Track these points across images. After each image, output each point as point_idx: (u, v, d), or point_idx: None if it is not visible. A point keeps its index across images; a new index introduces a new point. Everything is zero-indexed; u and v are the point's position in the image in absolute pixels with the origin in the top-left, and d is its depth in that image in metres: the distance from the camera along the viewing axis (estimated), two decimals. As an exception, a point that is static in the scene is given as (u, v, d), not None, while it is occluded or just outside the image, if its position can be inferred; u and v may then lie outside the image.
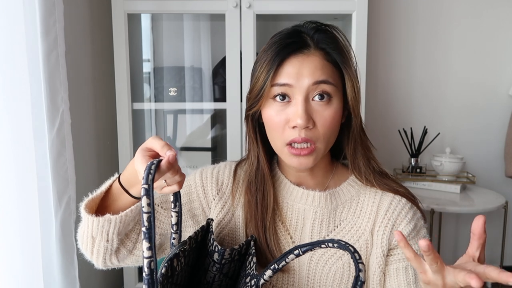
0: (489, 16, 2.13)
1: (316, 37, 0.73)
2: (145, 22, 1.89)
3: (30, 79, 1.03)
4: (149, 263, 0.51)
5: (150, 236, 0.51)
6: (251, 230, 0.79)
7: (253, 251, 0.73)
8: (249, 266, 0.70)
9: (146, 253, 0.51)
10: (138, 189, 0.69)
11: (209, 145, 1.92)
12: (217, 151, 1.94)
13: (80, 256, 1.23)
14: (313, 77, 0.70)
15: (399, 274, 0.70)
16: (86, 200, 0.71)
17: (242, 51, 1.63)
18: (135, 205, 0.71)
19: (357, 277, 0.53)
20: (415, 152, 2.02)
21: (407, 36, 2.14)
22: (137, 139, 1.74)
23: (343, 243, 0.56)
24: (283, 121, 0.71)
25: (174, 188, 0.63)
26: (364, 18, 1.64)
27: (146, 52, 1.90)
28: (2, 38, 0.98)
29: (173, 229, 0.69)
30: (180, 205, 0.68)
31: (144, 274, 0.51)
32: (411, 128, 2.05)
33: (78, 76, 1.48)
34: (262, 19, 1.66)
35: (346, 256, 0.76)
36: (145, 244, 0.51)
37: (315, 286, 0.78)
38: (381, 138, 2.17)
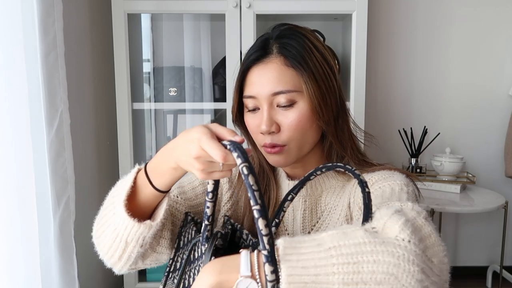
0: (488, 16, 2.13)
1: (278, 42, 0.75)
2: (145, 22, 1.89)
3: (28, 79, 1.03)
4: (268, 240, 0.49)
5: (266, 213, 0.50)
6: (248, 223, 0.82)
7: (238, 226, 0.70)
8: (244, 238, 0.68)
9: (264, 231, 0.49)
10: (163, 180, 0.64)
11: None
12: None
13: (79, 256, 1.23)
14: (271, 88, 0.73)
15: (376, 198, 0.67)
16: (122, 201, 0.65)
17: (242, 51, 1.63)
18: (165, 202, 0.67)
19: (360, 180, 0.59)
20: (415, 152, 2.02)
21: (407, 36, 2.14)
22: (137, 139, 1.74)
23: (330, 164, 0.64)
24: (256, 127, 0.76)
25: (227, 174, 0.59)
26: (364, 18, 1.64)
27: (146, 52, 1.90)
28: (0, 38, 0.97)
29: (208, 221, 0.64)
30: (217, 194, 0.64)
31: (265, 252, 0.49)
32: (411, 128, 2.05)
33: (78, 76, 1.48)
34: (262, 19, 1.66)
35: None
36: (263, 222, 0.49)
37: None
38: (381, 138, 2.17)
